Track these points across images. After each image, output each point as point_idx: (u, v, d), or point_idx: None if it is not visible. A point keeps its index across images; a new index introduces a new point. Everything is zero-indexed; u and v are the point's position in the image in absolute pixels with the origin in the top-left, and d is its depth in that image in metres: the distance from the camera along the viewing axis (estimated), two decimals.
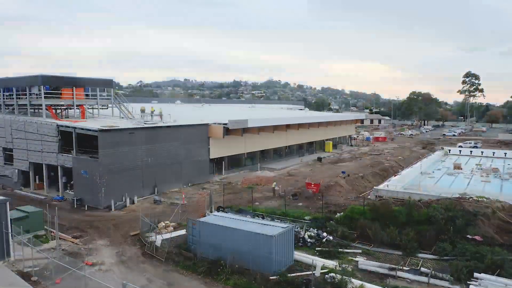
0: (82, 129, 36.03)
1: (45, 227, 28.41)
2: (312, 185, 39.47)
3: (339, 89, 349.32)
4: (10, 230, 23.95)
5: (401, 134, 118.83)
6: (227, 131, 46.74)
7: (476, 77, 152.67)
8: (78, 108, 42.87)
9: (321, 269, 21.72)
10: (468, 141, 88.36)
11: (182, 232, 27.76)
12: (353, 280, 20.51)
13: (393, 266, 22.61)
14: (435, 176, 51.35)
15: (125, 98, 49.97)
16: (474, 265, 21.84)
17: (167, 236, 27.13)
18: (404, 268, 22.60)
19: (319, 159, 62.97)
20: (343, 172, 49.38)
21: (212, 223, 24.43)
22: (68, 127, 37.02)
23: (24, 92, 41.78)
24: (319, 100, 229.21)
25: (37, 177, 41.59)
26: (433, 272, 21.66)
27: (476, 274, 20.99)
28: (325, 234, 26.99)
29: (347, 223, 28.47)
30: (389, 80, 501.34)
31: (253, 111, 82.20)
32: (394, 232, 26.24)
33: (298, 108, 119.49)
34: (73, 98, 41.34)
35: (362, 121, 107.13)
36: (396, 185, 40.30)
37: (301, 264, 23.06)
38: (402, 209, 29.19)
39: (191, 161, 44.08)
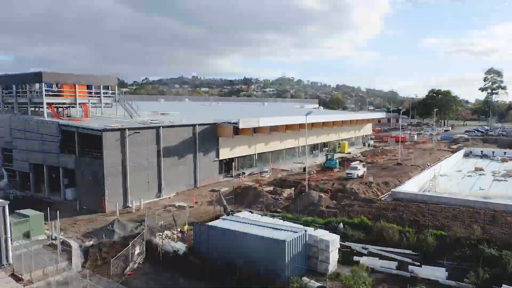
0: (85, 128, 34.97)
1: (45, 231, 27.62)
2: None
3: (355, 87, 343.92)
4: (9, 235, 23.26)
5: (420, 133, 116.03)
6: (237, 130, 45.27)
7: (499, 74, 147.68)
8: (81, 107, 41.72)
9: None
10: None
11: (190, 236, 26.77)
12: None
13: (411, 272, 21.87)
14: (456, 178, 49.56)
15: (130, 96, 48.95)
16: (496, 273, 20.86)
17: (174, 240, 26.46)
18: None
19: None
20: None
21: (221, 227, 23.77)
22: (70, 126, 36.07)
23: (24, 90, 40.90)
24: (334, 98, 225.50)
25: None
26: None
27: None
28: (339, 238, 25.43)
29: (362, 226, 27.65)
30: None
31: (265, 110, 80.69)
32: (412, 236, 25.30)
33: (311, 107, 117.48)
34: (75, 96, 40.36)
35: (379, 120, 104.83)
36: (415, 187, 38.56)
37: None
38: (420, 212, 28.47)
39: (199, 161, 42.74)
